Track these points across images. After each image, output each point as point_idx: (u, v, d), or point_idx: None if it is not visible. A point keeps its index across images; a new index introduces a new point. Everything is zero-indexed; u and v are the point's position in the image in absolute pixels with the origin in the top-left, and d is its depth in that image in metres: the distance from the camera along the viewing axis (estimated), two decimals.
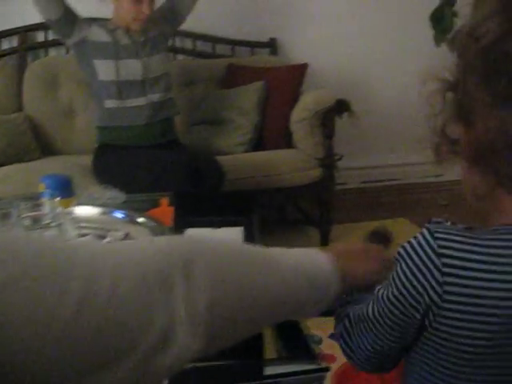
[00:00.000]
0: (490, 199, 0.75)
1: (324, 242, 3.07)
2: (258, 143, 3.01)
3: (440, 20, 3.24)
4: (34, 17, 3.12)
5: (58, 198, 1.39)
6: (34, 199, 1.43)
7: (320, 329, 2.24)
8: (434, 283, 0.71)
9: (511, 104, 0.68)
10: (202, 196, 1.30)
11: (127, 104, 2.62)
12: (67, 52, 3.21)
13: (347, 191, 3.88)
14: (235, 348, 1.03)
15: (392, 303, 0.76)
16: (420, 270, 0.72)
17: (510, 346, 0.72)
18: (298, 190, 2.96)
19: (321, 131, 2.95)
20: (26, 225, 1.34)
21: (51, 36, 3.21)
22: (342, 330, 0.86)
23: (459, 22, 3.36)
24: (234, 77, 3.20)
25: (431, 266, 0.71)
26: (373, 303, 0.80)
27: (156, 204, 1.74)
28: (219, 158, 2.69)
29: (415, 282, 0.72)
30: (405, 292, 0.74)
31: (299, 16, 3.60)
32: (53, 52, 3.26)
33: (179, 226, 1.23)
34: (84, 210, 1.65)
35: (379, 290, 0.79)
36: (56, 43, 3.21)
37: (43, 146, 3.01)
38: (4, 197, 2.29)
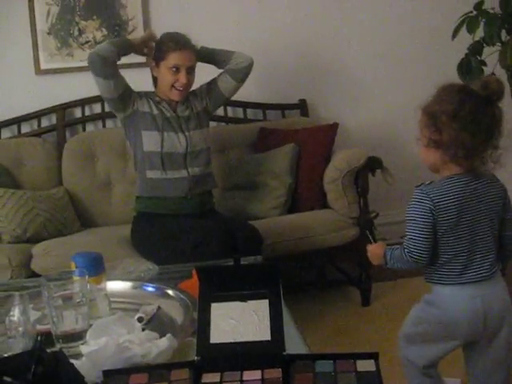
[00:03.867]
0: (443, 168, 1.70)
1: (365, 301, 3.01)
2: (293, 205, 3.00)
3: (468, 71, 3.22)
4: (71, 94, 3.27)
5: (87, 276, 1.41)
6: (64, 278, 1.45)
7: None
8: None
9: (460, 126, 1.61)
10: (228, 268, 1.29)
11: (169, 176, 2.66)
12: (104, 126, 3.31)
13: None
14: None
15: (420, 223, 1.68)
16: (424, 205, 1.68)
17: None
18: (335, 249, 2.92)
19: (354, 190, 2.93)
20: (56, 305, 1.35)
21: (88, 111, 3.33)
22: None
23: (487, 71, 3.35)
24: (266, 140, 3.23)
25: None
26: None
27: (189, 275, 1.74)
28: (254, 223, 2.69)
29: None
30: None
31: (327, 76, 3.64)
32: (90, 127, 3.36)
33: (204, 301, 1.22)
34: (116, 285, 1.68)
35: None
36: (93, 118, 3.33)
37: (82, 218, 3.07)
38: (44, 272, 2.34)
